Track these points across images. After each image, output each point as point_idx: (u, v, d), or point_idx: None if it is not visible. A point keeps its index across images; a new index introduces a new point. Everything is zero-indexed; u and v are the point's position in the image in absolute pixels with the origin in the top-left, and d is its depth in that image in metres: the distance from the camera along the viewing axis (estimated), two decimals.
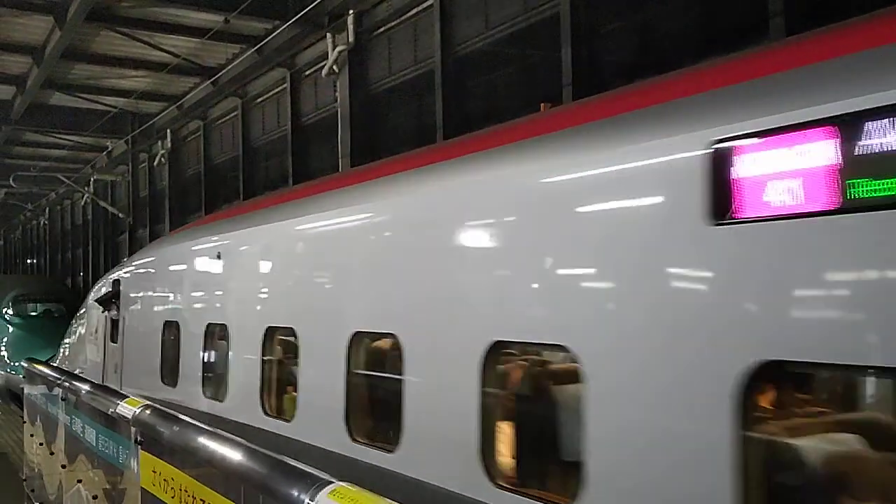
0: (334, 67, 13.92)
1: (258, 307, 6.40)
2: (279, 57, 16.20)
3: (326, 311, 5.39)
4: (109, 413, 5.47)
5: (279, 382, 6.06)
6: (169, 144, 22.81)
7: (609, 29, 9.52)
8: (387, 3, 13.17)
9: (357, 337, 4.92)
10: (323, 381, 5.20)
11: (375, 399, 5.07)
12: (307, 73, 16.04)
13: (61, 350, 13.80)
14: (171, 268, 8.54)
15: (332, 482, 2.73)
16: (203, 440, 3.81)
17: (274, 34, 15.02)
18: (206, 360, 7.15)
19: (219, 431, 3.95)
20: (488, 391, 3.86)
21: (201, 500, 3.78)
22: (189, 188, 22.65)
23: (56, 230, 40.57)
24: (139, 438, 4.79)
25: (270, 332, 6.00)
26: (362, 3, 13.46)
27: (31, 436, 9.12)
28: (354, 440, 4.80)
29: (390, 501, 2.50)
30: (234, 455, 3.49)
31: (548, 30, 10.01)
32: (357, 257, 5.14)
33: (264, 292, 6.39)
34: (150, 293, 9.16)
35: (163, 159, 23.14)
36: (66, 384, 7.20)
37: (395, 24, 13.15)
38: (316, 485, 2.73)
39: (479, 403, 3.85)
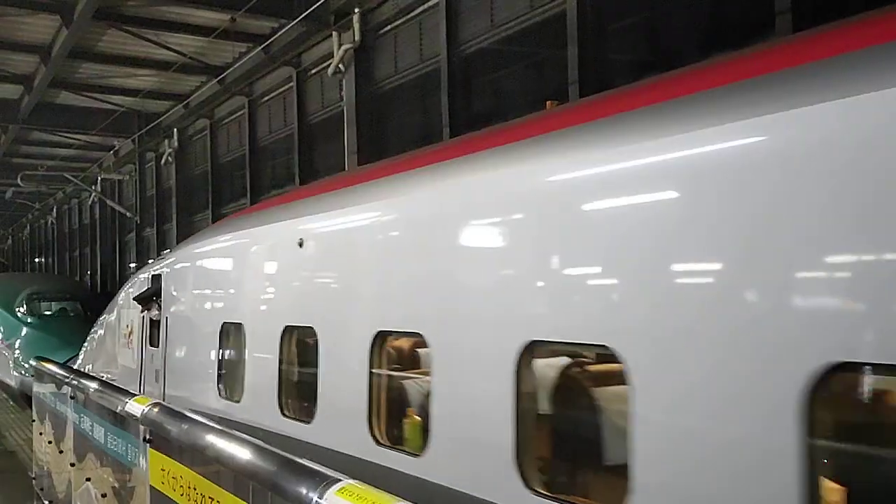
0: (340, 66, 13.95)
1: (364, 307, 5.03)
2: (285, 56, 16.22)
3: (479, 311, 4.01)
4: (118, 411, 5.49)
5: (395, 404, 4.84)
6: (176, 143, 22.88)
7: (615, 27, 9.52)
8: (392, 1, 13.18)
9: (534, 348, 3.63)
10: (474, 405, 3.94)
11: (573, 437, 3.88)
12: (313, 71, 16.07)
13: (82, 353, 12.80)
14: (232, 259, 7.17)
15: (340, 479, 2.73)
16: (212, 438, 3.82)
17: (280, 33, 15.05)
18: (283, 370, 5.89)
19: (228, 430, 3.95)
20: (816, 440, 2.55)
21: (210, 497, 3.79)
22: (196, 187, 22.70)
23: (63, 229, 40.71)
24: (148, 436, 4.80)
25: (381, 339, 4.74)
26: (368, 1, 13.47)
27: (40, 434, 9.15)
28: (534, 490, 3.52)
29: (399, 499, 2.50)
30: (242, 453, 3.49)
31: (553, 28, 10.02)
32: (525, 239, 3.81)
33: (373, 288, 5.00)
34: (202, 290, 7.78)
35: (170, 158, 23.22)
36: (75, 382, 7.22)
37: (401, 23, 13.16)
38: (325, 482, 2.74)
39: (801, 454, 2.54)
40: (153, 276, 8.84)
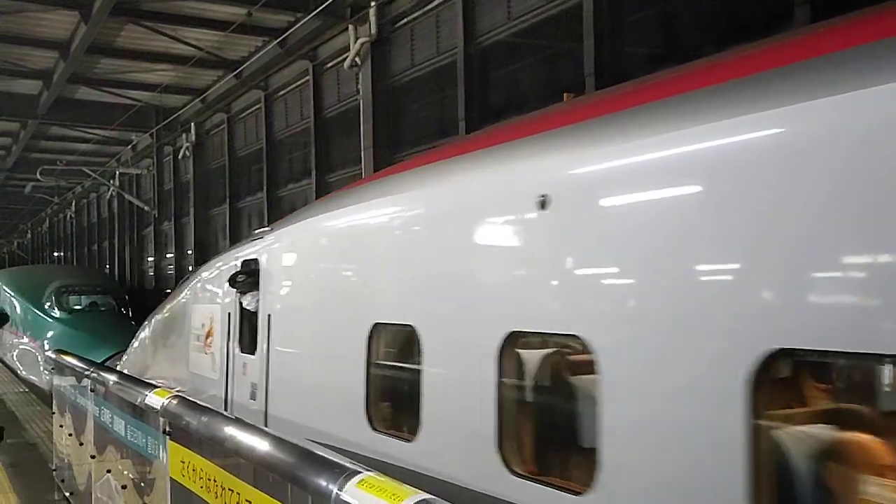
0: (356, 59, 13.95)
1: (733, 305, 2.82)
2: (301, 49, 16.25)
3: None
4: (138, 404, 5.53)
5: (804, 472, 2.78)
6: (193, 138, 22.98)
7: (631, 19, 9.47)
8: None
9: None
10: None
11: None
12: (329, 65, 16.08)
13: (127, 356, 11.20)
14: (392, 233, 5.04)
15: (360, 472, 2.74)
16: (231, 430, 3.85)
17: (296, 26, 15.08)
18: (509, 401, 3.82)
19: (247, 421, 3.97)
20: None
21: (230, 489, 3.81)
22: (213, 181, 22.80)
23: (82, 223, 41.04)
24: (168, 429, 4.84)
25: (773, 366, 2.72)
26: None
27: (61, 426, 9.23)
28: None
29: (419, 491, 2.51)
30: (261, 445, 3.51)
31: (570, 20, 9.98)
32: None
33: (763, 271, 2.76)
34: (334, 277, 5.64)
35: (187, 152, 23.33)
36: (95, 375, 7.28)
37: (418, 16, 13.15)
38: (345, 474, 2.74)
39: None
40: (245, 260, 6.87)
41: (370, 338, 4.90)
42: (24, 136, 26.18)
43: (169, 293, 25.64)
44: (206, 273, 8.24)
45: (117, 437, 6.49)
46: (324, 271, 5.88)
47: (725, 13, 8.45)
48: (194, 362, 8.04)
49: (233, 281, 6.79)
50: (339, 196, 6.24)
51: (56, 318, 20.09)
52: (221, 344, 7.24)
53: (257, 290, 6.53)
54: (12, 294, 22.34)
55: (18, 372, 20.41)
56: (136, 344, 10.96)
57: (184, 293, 8.87)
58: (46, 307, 20.46)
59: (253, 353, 6.54)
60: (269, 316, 6.30)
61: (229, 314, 7.10)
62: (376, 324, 4.88)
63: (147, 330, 10.39)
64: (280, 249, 6.48)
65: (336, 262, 5.70)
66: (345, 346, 5.17)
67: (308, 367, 5.88)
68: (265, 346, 6.30)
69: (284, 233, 6.51)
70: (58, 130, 25.96)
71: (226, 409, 6.55)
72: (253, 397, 6.43)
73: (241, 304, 6.80)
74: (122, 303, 22.13)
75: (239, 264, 6.99)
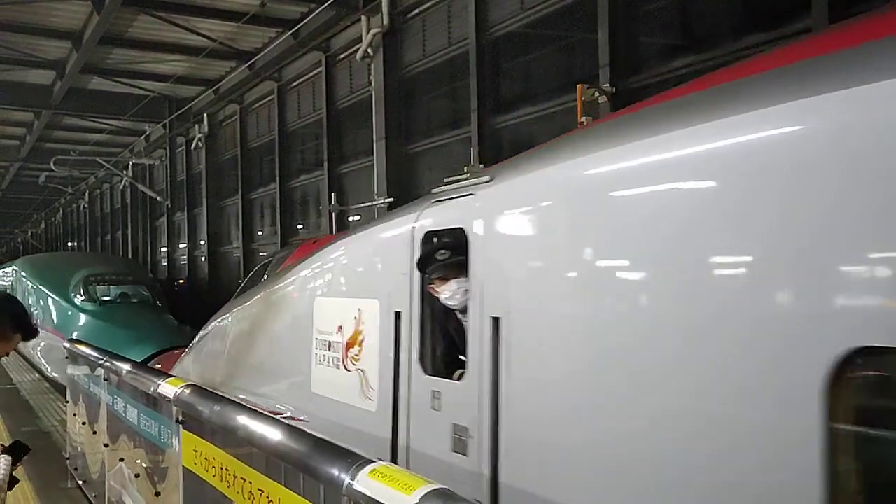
0: (369, 51, 13.93)
1: None
2: (314, 40, 16.22)
3: None
4: (151, 393, 5.54)
5: None
6: (206, 128, 23.02)
7: (646, 9, 9.41)
8: None
9: None
10: None
11: None
12: (342, 56, 16.07)
13: (189, 361, 8.97)
14: None
15: (373, 461, 2.74)
16: (243, 419, 3.85)
17: (309, 17, 15.06)
18: None
19: (260, 410, 3.97)
20: None
21: (242, 478, 3.82)
22: (226, 172, 22.84)
23: (95, 213, 41.22)
24: (180, 418, 4.85)
25: None
26: None
27: (74, 415, 9.28)
28: None
29: (432, 481, 2.50)
30: (274, 434, 3.51)
31: (584, 10, 9.93)
32: None
33: None
34: (694, 254, 2.70)
35: (200, 143, 23.37)
36: (108, 364, 7.30)
37: (430, 6, 13.11)
38: (357, 464, 2.74)
39: None
40: (430, 232, 4.44)
41: (838, 377, 2.24)
42: (38, 126, 26.27)
43: (181, 282, 25.93)
44: (342, 250, 5.55)
45: (130, 426, 6.52)
46: (659, 246, 2.90)
47: (743, 3, 8.38)
48: (322, 381, 5.52)
49: (426, 262, 4.38)
50: (663, 109, 3.33)
51: (85, 309, 18.41)
52: (383, 357, 4.73)
53: (465, 276, 4.05)
54: (36, 283, 20.84)
55: (44, 371, 18.83)
56: (200, 347, 8.67)
57: (291, 279, 6.27)
58: (74, 298, 18.81)
59: (455, 377, 4.11)
60: (495, 320, 3.70)
61: (398, 313, 4.57)
62: (862, 349, 2.20)
63: (219, 329, 8.00)
64: (525, 210, 3.76)
65: (705, 228, 2.73)
66: (741, 385, 2.55)
67: (626, 415, 2.98)
68: (489, 368, 3.70)
69: (528, 182, 3.77)
70: (71, 120, 26.03)
71: (394, 459, 4.35)
72: (461, 450, 3.90)
73: (422, 298, 4.43)
74: (157, 294, 20.39)
75: (419, 237, 4.47)
